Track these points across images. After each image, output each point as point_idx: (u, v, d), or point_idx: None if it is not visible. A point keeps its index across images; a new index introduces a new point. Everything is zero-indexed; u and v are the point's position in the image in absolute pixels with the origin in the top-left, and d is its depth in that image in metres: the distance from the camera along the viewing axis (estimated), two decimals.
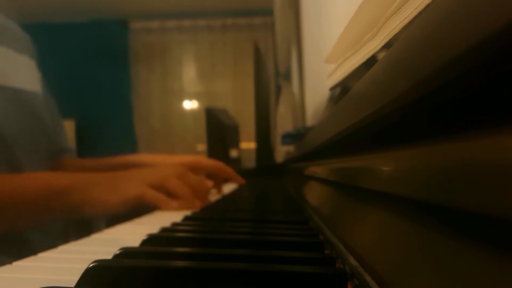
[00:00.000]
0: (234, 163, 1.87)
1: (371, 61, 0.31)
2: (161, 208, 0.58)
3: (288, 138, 1.01)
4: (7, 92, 0.64)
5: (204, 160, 0.79)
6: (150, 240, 0.30)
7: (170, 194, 0.59)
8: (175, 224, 0.40)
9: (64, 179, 0.60)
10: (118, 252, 0.26)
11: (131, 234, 0.40)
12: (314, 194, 0.49)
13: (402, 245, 0.17)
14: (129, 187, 0.58)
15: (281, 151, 1.61)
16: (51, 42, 3.06)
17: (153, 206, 0.58)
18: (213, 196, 0.77)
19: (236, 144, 1.96)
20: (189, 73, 3.36)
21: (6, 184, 0.56)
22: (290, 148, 1.12)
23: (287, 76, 2.05)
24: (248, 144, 2.31)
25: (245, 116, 2.89)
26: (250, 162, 2.07)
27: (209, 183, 0.82)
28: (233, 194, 0.86)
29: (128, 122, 3.24)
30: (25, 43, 0.75)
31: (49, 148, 0.74)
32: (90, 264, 0.21)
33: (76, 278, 0.21)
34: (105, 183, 0.59)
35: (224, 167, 0.82)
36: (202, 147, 2.94)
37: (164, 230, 0.36)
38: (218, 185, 0.85)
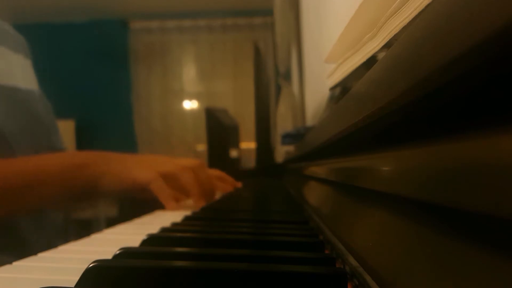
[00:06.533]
0: (234, 163, 1.87)
1: (371, 61, 0.31)
2: (160, 201, 0.58)
3: (288, 138, 1.01)
4: (3, 91, 0.64)
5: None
6: (150, 240, 0.30)
7: (179, 186, 0.59)
8: (175, 224, 0.40)
9: (82, 155, 0.63)
10: (118, 252, 0.26)
11: (131, 234, 0.40)
12: (314, 194, 0.49)
13: (402, 245, 0.17)
14: (143, 170, 0.59)
15: (281, 151, 1.61)
16: (51, 43, 3.06)
17: (153, 197, 0.59)
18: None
19: (236, 144, 1.96)
20: (189, 73, 3.35)
21: (28, 164, 0.58)
22: (290, 148, 1.12)
23: (287, 76, 2.05)
24: (248, 144, 2.30)
25: (245, 116, 2.89)
26: (250, 162, 2.07)
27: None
28: (233, 194, 0.86)
29: (128, 122, 3.24)
30: (19, 43, 0.75)
31: (46, 146, 0.74)
32: (90, 264, 0.21)
33: (76, 278, 0.21)
34: (121, 162, 0.61)
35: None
36: (202, 147, 2.94)
37: (164, 230, 0.36)
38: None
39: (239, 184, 0.91)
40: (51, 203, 0.62)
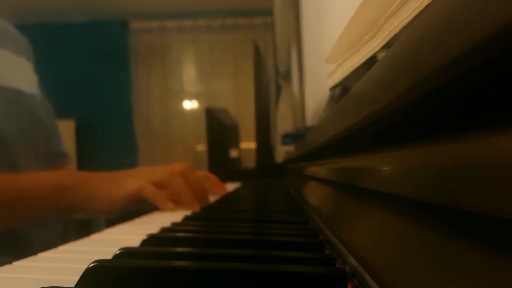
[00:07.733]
0: (234, 163, 1.87)
1: (371, 61, 0.31)
2: (157, 206, 0.58)
3: (288, 138, 1.01)
4: (4, 93, 0.64)
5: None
6: (150, 240, 0.30)
7: (171, 192, 0.59)
8: (175, 224, 0.40)
9: (67, 177, 0.61)
10: (118, 252, 0.26)
11: (131, 234, 0.40)
12: (314, 194, 0.49)
13: (402, 245, 0.17)
14: (130, 182, 0.59)
15: (281, 151, 1.61)
16: (51, 43, 3.06)
17: (150, 203, 0.58)
18: (212, 197, 0.77)
19: (236, 144, 1.96)
20: (189, 73, 3.35)
21: (10, 183, 0.57)
22: (290, 148, 1.11)
23: (287, 76, 2.05)
24: (248, 144, 2.30)
25: (245, 116, 2.89)
26: (250, 162, 2.07)
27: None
28: (233, 194, 0.86)
29: (128, 122, 3.24)
30: (22, 46, 0.75)
31: (47, 149, 0.74)
32: (90, 264, 0.21)
33: (76, 278, 0.21)
34: (107, 180, 0.60)
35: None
36: (202, 147, 2.94)
37: (164, 230, 0.36)
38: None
39: (223, 186, 0.88)
40: (32, 221, 0.62)
